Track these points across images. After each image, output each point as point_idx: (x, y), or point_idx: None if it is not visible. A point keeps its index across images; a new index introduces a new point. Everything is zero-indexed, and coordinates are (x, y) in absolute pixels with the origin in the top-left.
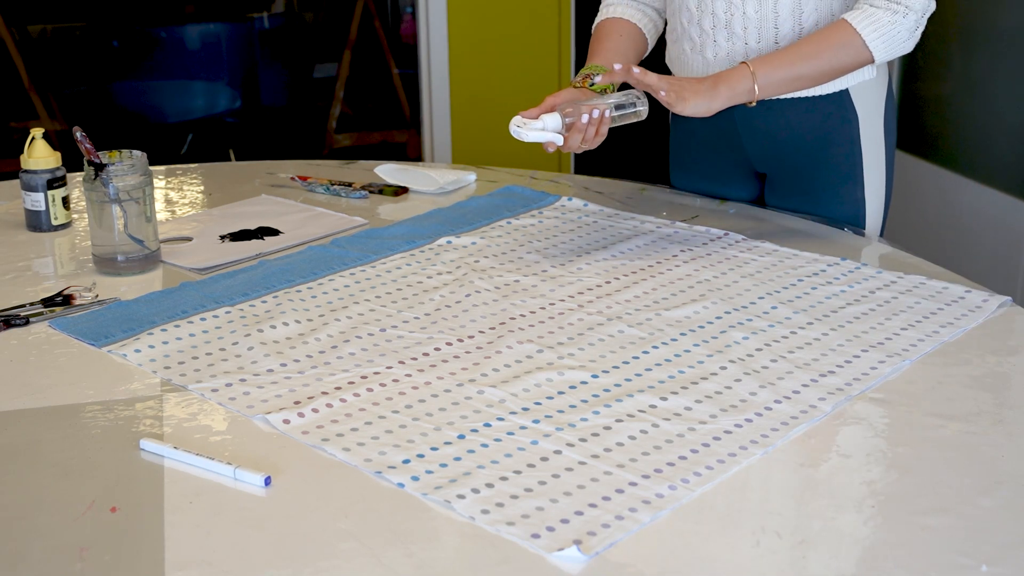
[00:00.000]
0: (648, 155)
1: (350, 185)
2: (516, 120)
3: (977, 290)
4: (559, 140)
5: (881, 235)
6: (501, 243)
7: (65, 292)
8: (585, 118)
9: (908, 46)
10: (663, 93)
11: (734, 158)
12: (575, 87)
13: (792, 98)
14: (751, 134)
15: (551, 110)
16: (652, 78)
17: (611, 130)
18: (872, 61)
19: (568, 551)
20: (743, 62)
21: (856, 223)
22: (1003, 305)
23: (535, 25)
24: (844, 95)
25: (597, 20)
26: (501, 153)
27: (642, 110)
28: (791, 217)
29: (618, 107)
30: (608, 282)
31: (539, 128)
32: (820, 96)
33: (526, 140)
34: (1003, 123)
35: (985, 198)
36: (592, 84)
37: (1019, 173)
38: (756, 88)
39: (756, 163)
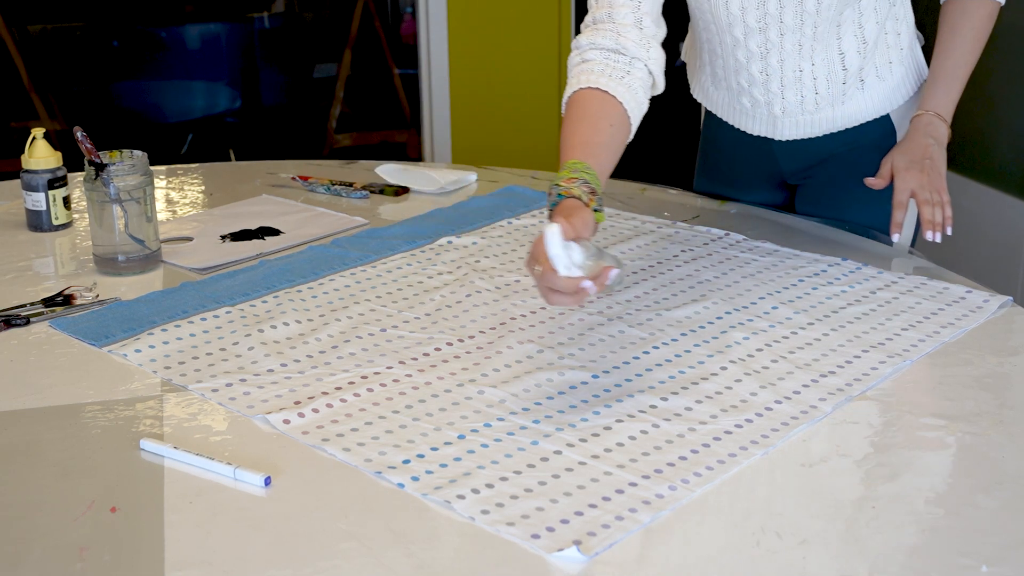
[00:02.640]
0: (649, 155)
1: (351, 185)
2: (556, 238)
3: (978, 290)
4: (587, 284)
5: (913, 245)
6: (502, 243)
7: (65, 292)
8: (589, 285)
9: None
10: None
11: (766, 172)
12: (572, 196)
13: (836, 131)
14: (788, 158)
15: (573, 235)
16: (903, 195)
17: None
18: (1001, 5)
19: (568, 551)
20: (925, 113)
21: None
22: (1004, 305)
23: (535, 25)
24: (886, 119)
25: (573, 85)
26: (501, 153)
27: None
28: (791, 217)
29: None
30: None
31: (567, 264)
32: (864, 124)
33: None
34: (1003, 123)
35: (985, 198)
36: (597, 208)
37: (1019, 173)
38: (949, 129)
39: (789, 177)
